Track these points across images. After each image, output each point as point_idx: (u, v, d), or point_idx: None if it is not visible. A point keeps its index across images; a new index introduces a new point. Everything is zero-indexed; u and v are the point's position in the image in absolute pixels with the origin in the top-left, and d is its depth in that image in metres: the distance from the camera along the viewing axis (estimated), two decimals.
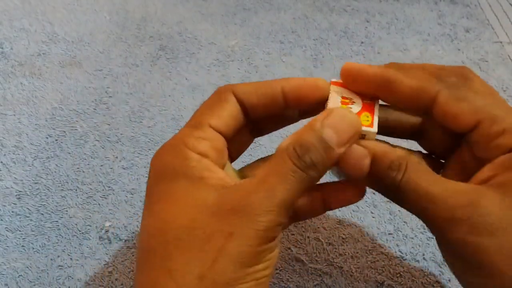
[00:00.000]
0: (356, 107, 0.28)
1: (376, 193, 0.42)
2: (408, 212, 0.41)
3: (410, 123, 0.31)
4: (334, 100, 0.28)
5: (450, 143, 0.30)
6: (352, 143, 0.26)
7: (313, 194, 0.29)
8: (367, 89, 0.29)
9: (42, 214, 0.41)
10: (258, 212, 0.24)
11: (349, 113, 0.26)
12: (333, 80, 0.30)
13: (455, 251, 0.26)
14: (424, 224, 0.40)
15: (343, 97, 0.29)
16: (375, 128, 0.27)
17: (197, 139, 0.27)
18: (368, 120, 0.28)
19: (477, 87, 0.27)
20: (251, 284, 0.24)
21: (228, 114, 0.29)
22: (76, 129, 0.48)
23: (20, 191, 0.42)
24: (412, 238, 0.39)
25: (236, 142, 0.31)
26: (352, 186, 0.29)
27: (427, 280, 0.36)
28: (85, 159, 0.45)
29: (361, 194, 0.29)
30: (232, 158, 0.31)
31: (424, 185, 0.26)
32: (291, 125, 0.32)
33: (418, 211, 0.27)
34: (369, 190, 0.42)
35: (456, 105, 0.27)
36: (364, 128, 0.27)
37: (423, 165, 0.28)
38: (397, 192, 0.26)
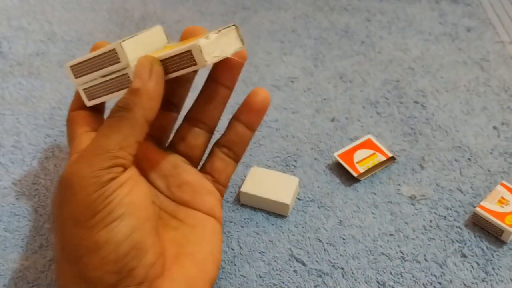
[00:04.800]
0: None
1: (377, 193, 0.42)
2: (409, 213, 0.41)
3: None
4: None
5: None
6: (157, 71, 0.29)
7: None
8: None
9: (40, 214, 0.40)
10: (68, 166, 0.27)
11: (142, 56, 0.30)
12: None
13: None
14: (425, 225, 0.40)
15: None
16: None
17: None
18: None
19: None
20: (102, 233, 0.25)
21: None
22: None
23: (18, 192, 0.42)
24: (413, 238, 0.39)
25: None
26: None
27: (428, 281, 0.36)
28: None
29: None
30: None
31: None
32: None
33: None
34: (369, 191, 0.42)
35: None
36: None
37: None
38: None
